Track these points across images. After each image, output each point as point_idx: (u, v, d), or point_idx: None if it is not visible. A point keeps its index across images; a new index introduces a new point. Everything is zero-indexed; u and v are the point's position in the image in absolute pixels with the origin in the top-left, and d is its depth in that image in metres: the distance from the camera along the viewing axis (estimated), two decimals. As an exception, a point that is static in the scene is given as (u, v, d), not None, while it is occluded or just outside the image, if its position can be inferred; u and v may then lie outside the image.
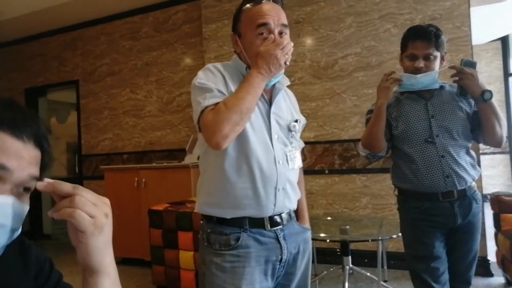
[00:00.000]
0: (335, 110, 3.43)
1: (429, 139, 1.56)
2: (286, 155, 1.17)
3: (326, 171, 3.44)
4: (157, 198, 3.39)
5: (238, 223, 1.12)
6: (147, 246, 3.06)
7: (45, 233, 5.23)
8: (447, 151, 1.54)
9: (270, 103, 1.18)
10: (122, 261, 3.76)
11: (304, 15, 3.54)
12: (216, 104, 1.06)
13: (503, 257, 2.72)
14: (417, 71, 1.57)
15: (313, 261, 3.12)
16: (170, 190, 3.49)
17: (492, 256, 2.98)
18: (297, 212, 1.28)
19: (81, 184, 4.80)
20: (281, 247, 1.15)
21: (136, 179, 3.70)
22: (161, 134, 4.30)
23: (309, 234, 1.29)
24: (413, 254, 1.62)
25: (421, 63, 1.55)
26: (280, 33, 1.13)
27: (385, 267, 2.97)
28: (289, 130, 1.20)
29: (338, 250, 3.22)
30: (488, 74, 5.98)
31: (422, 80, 1.54)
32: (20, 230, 0.61)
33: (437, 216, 1.56)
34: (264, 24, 1.11)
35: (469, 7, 3.02)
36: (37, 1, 4.10)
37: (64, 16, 4.55)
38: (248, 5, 1.15)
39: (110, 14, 4.53)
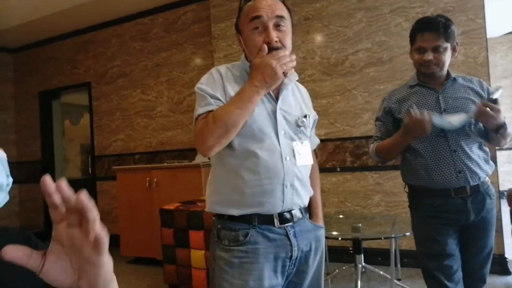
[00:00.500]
0: (346, 106, 3.39)
1: (441, 133, 1.52)
2: (293, 151, 1.15)
3: (338, 169, 3.40)
4: (169, 198, 3.41)
5: (247, 219, 1.12)
6: (159, 245, 3.07)
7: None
8: (459, 145, 1.50)
9: (277, 99, 1.17)
10: (134, 261, 3.80)
11: (314, 11, 3.51)
12: (209, 112, 1.09)
13: (521, 255, 2.64)
14: (426, 63, 1.54)
15: (325, 260, 3.10)
16: (181, 189, 3.50)
17: (510, 254, 2.90)
18: (310, 209, 1.27)
19: (94, 185, 4.90)
20: (291, 244, 1.13)
21: (147, 179, 3.72)
22: (172, 134, 4.32)
23: (322, 232, 1.27)
24: (426, 252, 1.58)
25: (430, 56, 1.52)
26: (277, 26, 1.11)
27: (398, 265, 2.92)
28: (298, 125, 1.18)
29: (350, 248, 3.18)
30: (503, 68, 5.83)
31: (456, 125, 1.46)
32: (11, 177, 0.60)
33: (449, 212, 1.52)
34: (257, 17, 1.10)
35: (482, -2, 2.95)
36: (49, 5, 4.16)
37: (76, 20, 4.61)
38: (246, 2, 1.16)
39: (121, 16, 4.58)
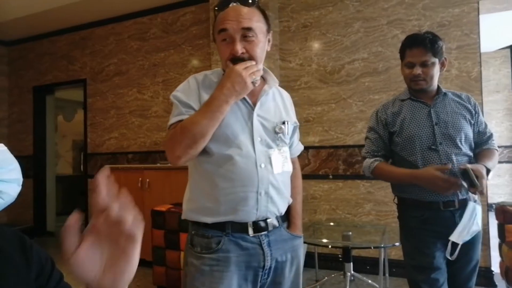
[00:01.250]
0: (341, 115, 3.42)
1: (433, 147, 1.55)
2: (270, 158, 1.13)
3: (330, 176, 3.43)
4: (161, 199, 3.40)
5: (221, 227, 1.11)
6: (149, 247, 3.06)
7: (49, 230, 5.26)
8: (450, 159, 1.53)
9: (255, 105, 1.16)
10: (124, 260, 3.78)
11: (312, 19, 3.54)
12: (179, 121, 1.09)
13: (507, 268, 2.68)
14: (415, 78, 1.58)
15: (314, 266, 3.12)
16: (173, 191, 3.49)
17: (496, 267, 2.94)
18: (288, 218, 1.25)
19: (86, 183, 4.85)
20: (264, 254, 1.12)
21: (140, 179, 3.71)
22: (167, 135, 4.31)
23: (299, 242, 1.24)
24: (413, 264, 1.60)
25: (418, 70, 1.56)
26: (244, 37, 1.09)
27: (387, 274, 2.94)
28: (275, 132, 1.17)
29: (340, 256, 3.21)
30: (496, 82, 5.93)
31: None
32: None
33: (437, 226, 1.54)
34: (223, 30, 1.09)
35: (478, 14, 3.00)
36: (47, 0, 4.14)
37: (74, 16, 4.59)
38: (219, 11, 1.14)
39: (120, 14, 4.56)
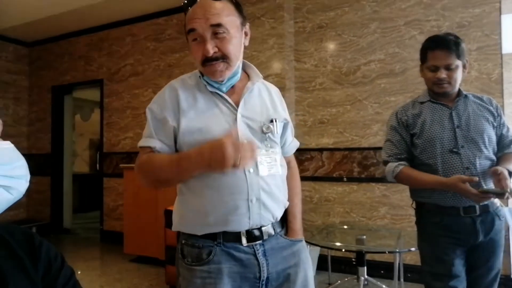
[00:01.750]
0: (356, 116, 3.37)
1: (454, 149, 1.50)
2: (257, 161, 1.04)
3: (344, 179, 3.38)
4: (174, 199, 3.40)
5: (212, 236, 1.04)
6: (162, 246, 3.09)
7: (65, 227, 5.36)
8: (472, 163, 1.49)
9: (237, 105, 1.07)
10: (136, 259, 3.81)
11: (328, 20, 3.51)
12: (148, 147, 1.06)
13: (528, 277, 2.59)
14: (439, 81, 1.54)
15: (327, 269, 3.09)
16: (187, 190, 3.51)
17: (516, 275, 2.85)
18: (286, 223, 1.16)
19: (101, 181, 4.92)
20: (259, 264, 1.04)
21: (154, 178, 3.73)
22: (181, 135, 4.34)
23: (300, 246, 1.15)
24: (431, 271, 1.56)
25: (443, 74, 1.52)
26: (215, 34, 1.00)
27: (402, 280, 2.88)
28: (263, 132, 1.07)
29: (353, 259, 3.16)
30: (518, 85, 5.76)
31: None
32: None
33: (458, 232, 1.50)
34: (192, 30, 1.01)
35: (500, 14, 2.92)
36: (66, 2, 4.22)
37: (91, 17, 4.67)
38: (187, 6, 1.06)
39: (136, 15, 4.62)
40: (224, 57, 1.01)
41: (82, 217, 6.20)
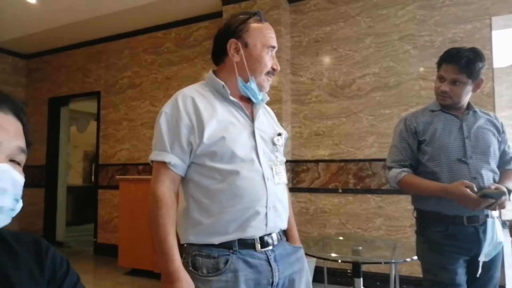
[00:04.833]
0: (351, 129, 3.42)
1: (463, 159, 1.53)
2: (273, 171, 1.12)
3: (340, 190, 3.40)
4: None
5: (227, 245, 1.05)
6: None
7: (58, 240, 5.29)
8: (479, 173, 1.51)
9: (253, 119, 1.16)
10: (131, 272, 3.77)
11: (323, 34, 3.58)
12: (163, 161, 1.10)
13: (523, 288, 2.60)
14: (441, 93, 1.58)
15: (323, 281, 3.07)
16: (183, 202, 3.49)
17: (510, 286, 2.86)
18: (286, 231, 1.22)
19: (96, 193, 4.88)
20: (271, 270, 1.08)
21: (150, 190, 3.72)
22: (177, 146, 4.34)
23: (302, 252, 1.23)
24: (434, 280, 1.55)
25: (446, 87, 1.56)
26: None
27: (398, 292, 2.88)
28: (273, 143, 1.17)
29: (349, 271, 3.15)
30: (509, 98, 5.87)
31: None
32: (21, 202, 0.61)
33: (461, 241, 1.51)
34: (274, 47, 1.17)
35: (491, 30, 3.00)
36: (65, 16, 4.27)
37: (90, 30, 4.72)
38: (254, 18, 1.15)
39: (135, 29, 4.68)
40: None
41: (75, 230, 6.14)
